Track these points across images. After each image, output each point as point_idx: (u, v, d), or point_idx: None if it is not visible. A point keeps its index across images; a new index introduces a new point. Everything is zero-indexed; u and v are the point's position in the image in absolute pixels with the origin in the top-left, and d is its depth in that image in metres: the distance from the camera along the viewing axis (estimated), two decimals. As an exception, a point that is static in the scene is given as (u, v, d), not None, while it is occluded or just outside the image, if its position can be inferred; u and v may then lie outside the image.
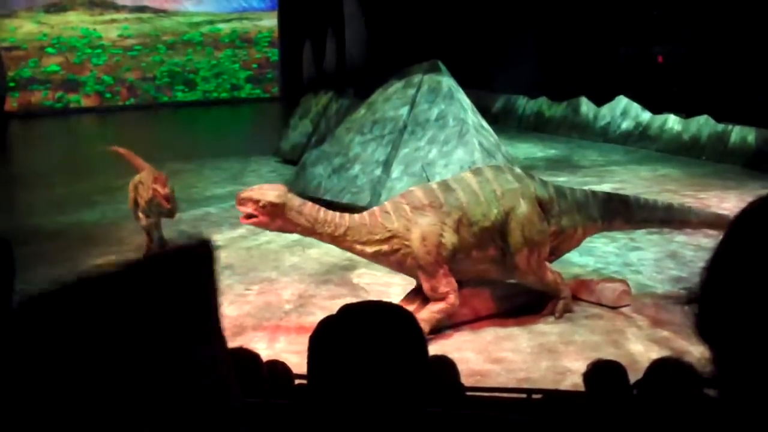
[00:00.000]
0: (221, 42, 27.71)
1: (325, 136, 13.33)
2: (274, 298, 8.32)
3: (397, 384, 1.45)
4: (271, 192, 6.86)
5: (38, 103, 25.24)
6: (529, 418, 3.16)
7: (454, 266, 7.06)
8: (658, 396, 3.41)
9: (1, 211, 12.47)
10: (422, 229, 6.89)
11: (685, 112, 16.70)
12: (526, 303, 7.64)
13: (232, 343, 6.46)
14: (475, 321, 7.41)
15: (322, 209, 7.04)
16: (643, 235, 10.12)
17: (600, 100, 18.47)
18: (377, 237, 6.95)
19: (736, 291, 1.01)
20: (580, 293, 7.93)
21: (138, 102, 26.33)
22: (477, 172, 7.39)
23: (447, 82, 11.77)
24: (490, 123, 12.46)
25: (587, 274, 8.79)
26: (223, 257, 9.76)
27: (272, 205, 6.77)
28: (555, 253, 7.63)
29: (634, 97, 17.89)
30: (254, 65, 28.11)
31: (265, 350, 6.55)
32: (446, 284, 6.99)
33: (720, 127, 15.70)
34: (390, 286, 8.00)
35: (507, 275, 7.37)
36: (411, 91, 11.86)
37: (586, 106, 18.74)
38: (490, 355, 6.81)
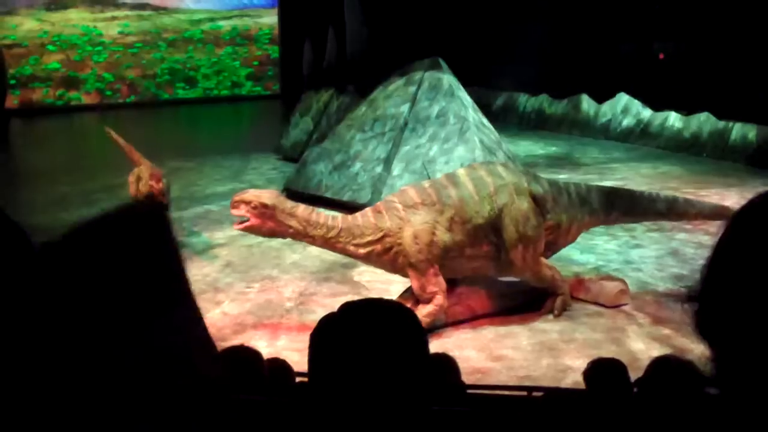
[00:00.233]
0: (222, 39, 27.70)
1: (325, 133, 13.32)
2: (275, 295, 8.32)
3: (398, 382, 1.45)
4: (263, 194, 6.95)
5: (39, 100, 25.24)
6: (530, 416, 3.16)
7: (448, 264, 7.03)
8: (658, 394, 3.41)
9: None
10: (414, 228, 6.88)
11: (686, 109, 16.69)
12: (523, 302, 7.61)
13: (234, 341, 6.48)
14: (472, 320, 7.39)
15: (315, 211, 7.04)
16: (644, 232, 10.12)
17: (601, 98, 18.46)
18: (370, 237, 6.94)
19: (735, 289, 1.01)
20: (577, 292, 7.89)
21: (139, 99, 26.33)
22: (470, 169, 7.37)
23: (448, 79, 11.76)
24: (490, 120, 12.45)
25: (588, 272, 8.79)
26: (223, 255, 9.77)
27: (264, 206, 6.78)
28: (551, 248, 7.60)
29: (635, 95, 17.88)
30: (255, 62, 28.10)
31: (266, 348, 6.55)
32: (435, 284, 6.96)
33: (721, 124, 15.70)
34: (391, 284, 8.00)
35: (502, 272, 7.34)
36: (412, 89, 11.85)
37: (587, 103, 18.73)
38: (491, 353, 6.81)
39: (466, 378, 4.60)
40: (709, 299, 1.05)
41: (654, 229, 10.24)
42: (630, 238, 9.95)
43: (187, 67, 27.24)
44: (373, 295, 7.43)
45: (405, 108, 11.72)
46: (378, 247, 6.97)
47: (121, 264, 0.91)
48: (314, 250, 9.31)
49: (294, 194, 11.96)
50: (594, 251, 9.50)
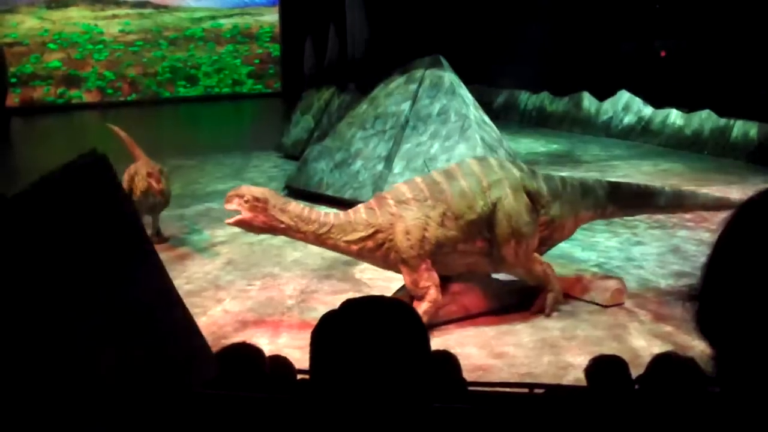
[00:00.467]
0: (223, 37, 27.68)
1: (326, 131, 13.32)
2: (277, 293, 8.32)
3: (399, 379, 1.45)
4: (255, 189, 7.01)
5: (40, 98, 25.23)
6: (532, 413, 3.16)
7: (441, 260, 7.01)
8: (660, 391, 3.41)
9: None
10: (406, 223, 6.87)
11: (688, 106, 16.68)
12: (518, 301, 7.58)
13: (235, 338, 6.48)
14: (466, 318, 7.35)
15: (307, 208, 7.06)
16: (645, 230, 10.12)
17: (602, 95, 18.45)
18: (362, 233, 6.94)
19: (736, 286, 1.01)
20: (574, 291, 7.85)
21: (140, 98, 26.31)
22: (463, 164, 7.36)
23: (449, 77, 11.75)
24: (492, 118, 12.45)
25: (589, 269, 8.79)
26: (225, 252, 9.78)
27: (256, 199, 6.82)
28: (547, 243, 7.56)
29: (636, 92, 17.87)
30: (256, 60, 28.08)
31: (267, 345, 6.56)
32: (427, 279, 6.95)
33: (722, 121, 15.69)
34: (392, 281, 8.00)
35: (495, 267, 7.31)
36: (413, 87, 11.85)
37: (588, 100, 18.72)
38: (492, 350, 6.81)
39: (468, 375, 4.60)
40: (710, 297, 1.05)
41: (655, 226, 10.24)
42: (631, 236, 9.96)
43: (188, 65, 27.22)
44: (375, 292, 7.44)
45: (406, 106, 11.72)
46: (370, 243, 6.96)
47: (71, 214, 0.90)
48: (315, 249, 9.30)
49: (295, 192, 11.96)
50: (595, 248, 9.50)
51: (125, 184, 9.71)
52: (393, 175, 11.08)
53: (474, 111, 11.57)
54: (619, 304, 7.64)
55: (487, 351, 6.80)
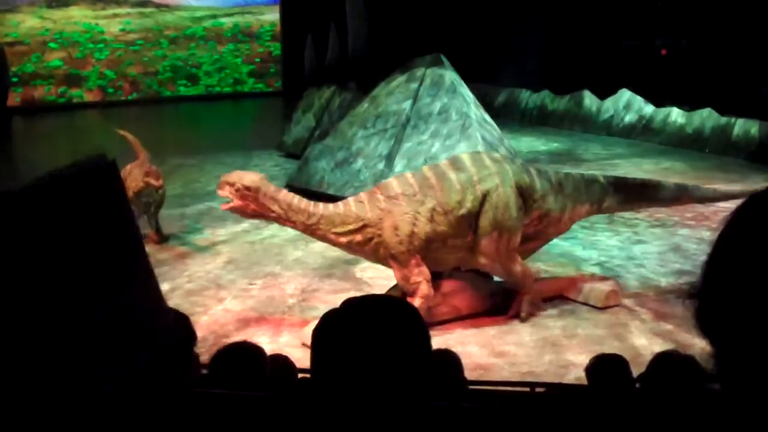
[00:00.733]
0: (224, 36, 27.67)
1: (327, 130, 13.32)
2: (278, 292, 8.32)
3: (400, 378, 1.45)
4: (247, 176, 6.94)
5: (41, 98, 25.23)
6: (533, 412, 3.16)
7: (432, 255, 6.98)
8: (661, 389, 3.41)
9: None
10: (394, 219, 6.85)
11: (689, 105, 16.67)
12: (509, 303, 7.49)
13: (236, 338, 6.49)
14: (457, 320, 7.30)
15: (297, 197, 7.03)
16: (646, 228, 10.12)
17: (603, 94, 18.44)
18: (350, 226, 6.92)
19: (735, 285, 1.01)
20: (568, 292, 7.80)
21: (140, 97, 26.31)
22: (454, 159, 7.31)
23: (450, 75, 11.75)
24: (492, 117, 12.44)
25: (589, 269, 8.79)
26: (226, 251, 9.78)
27: (246, 188, 6.81)
28: (541, 237, 7.52)
29: (637, 90, 17.86)
30: (257, 59, 28.07)
31: (268, 344, 6.56)
32: (418, 273, 6.92)
33: (723, 119, 15.68)
34: (393, 280, 7.99)
35: (476, 260, 7.18)
36: (414, 85, 11.85)
37: (589, 99, 18.71)
38: (493, 349, 6.81)
39: (469, 374, 4.60)
40: (709, 296, 1.05)
41: (656, 224, 10.24)
42: (632, 234, 9.95)
43: (189, 65, 27.21)
44: (376, 291, 7.44)
45: (407, 104, 11.71)
46: (358, 236, 6.94)
47: (71, 213, 0.90)
48: (316, 247, 9.32)
49: (296, 191, 11.95)
50: (596, 247, 9.50)
51: None
52: (394, 174, 11.07)
53: (475, 110, 11.57)
54: (614, 306, 7.58)
55: (488, 350, 6.80)
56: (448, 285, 7.39)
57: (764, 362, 0.98)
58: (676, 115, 16.74)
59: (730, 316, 1.01)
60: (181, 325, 3.11)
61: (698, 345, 1.11)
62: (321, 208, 6.99)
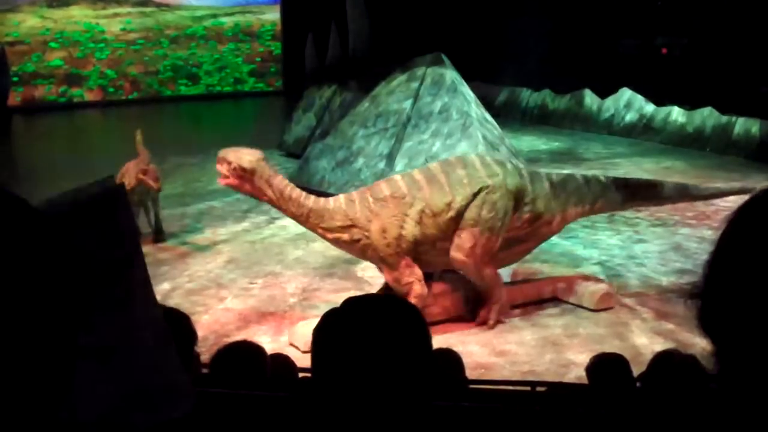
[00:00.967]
0: (224, 36, 27.66)
1: (328, 129, 13.31)
2: (279, 291, 8.33)
3: (401, 377, 1.45)
4: (245, 156, 6.90)
5: (42, 97, 25.22)
6: (534, 411, 3.16)
7: (421, 257, 6.96)
8: (661, 389, 3.41)
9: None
10: (382, 221, 6.83)
11: (689, 104, 16.67)
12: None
13: (237, 337, 6.49)
14: (447, 321, 7.25)
15: (290, 185, 7.02)
16: (647, 227, 10.12)
17: (604, 93, 18.43)
18: (338, 224, 6.91)
19: (738, 284, 1.01)
20: (562, 294, 7.73)
21: (141, 96, 26.30)
22: (444, 162, 7.31)
23: (450, 74, 11.75)
24: (493, 116, 12.44)
25: (591, 267, 8.79)
26: (227, 251, 9.78)
27: (242, 169, 6.82)
28: (534, 239, 7.45)
29: (638, 90, 17.85)
30: (257, 59, 28.06)
31: (269, 344, 6.56)
32: (409, 274, 6.89)
33: (724, 118, 15.68)
34: (394, 280, 8.00)
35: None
36: (414, 84, 11.85)
37: (589, 98, 18.70)
38: (494, 348, 6.81)
39: (470, 373, 4.60)
40: (712, 295, 1.05)
41: (657, 224, 10.24)
42: (633, 233, 9.95)
43: (190, 64, 27.21)
44: (376, 290, 7.44)
45: (407, 104, 11.72)
46: (345, 236, 6.93)
47: (76, 244, 0.91)
48: (317, 246, 9.33)
49: (297, 190, 11.95)
50: (597, 246, 9.50)
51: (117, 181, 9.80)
52: (395, 174, 11.06)
53: (475, 109, 11.57)
54: (608, 309, 7.50)
55: (488, 349, 6.80)
56: (438, 286, 7.33)
57: (766, 361, 0.98)
58: (676, 114, 16.73)
59: (732, 315, 1.01)
60: (181, 326, 3.11)
61: (699, 344, 1.10)
62: (311, 201, 6.98)
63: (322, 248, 9.33)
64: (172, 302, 7.21)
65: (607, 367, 3.88)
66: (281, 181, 6.98)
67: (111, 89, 26.16)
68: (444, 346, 4.74)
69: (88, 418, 0.87)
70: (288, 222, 7.81)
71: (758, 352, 0.98)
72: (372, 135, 11.82)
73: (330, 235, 7.01)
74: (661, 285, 8.21)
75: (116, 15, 26.31)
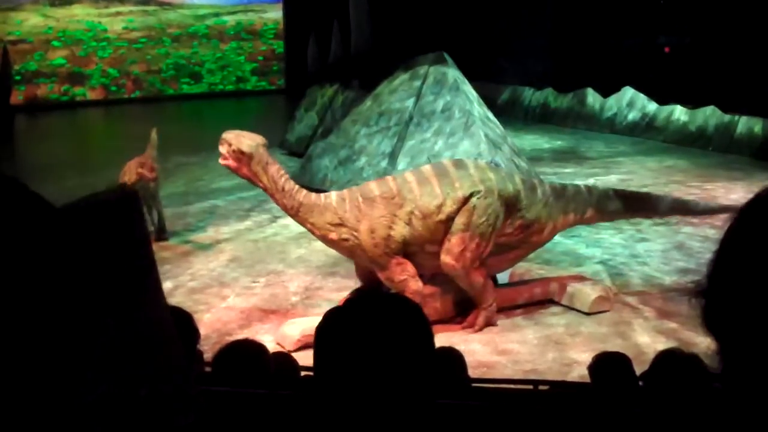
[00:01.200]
0: (226, 34, 27.67)
1: (331, 128, 13.32)
2: (281, 290, 8.33)
3: (403, 375, 1.45)
4: (245, 140, 6.98)
5: (44, 96, 25.24)
6: (536, 410, 3.16)
7: (410, 259, 6.94)
8: (664, 388, 3.40)
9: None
10: (371, 222, 6.81)
11: (692, 102, 16.65)
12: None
13: (239, 335, 6.49)
14: (437, 323, 7.08)
15: (285, 176, 7.03)
16: (650, 226, 10.11)
17: (606, 91, 18.41)
18: (327, 221, 6.90)
19: (742, 283, 1.01)
20: (557, 296, 7.64)
21: (143, 95, 26.31)
22: (437, 165, 7.27)
23: (453, 73, 11.74)
24: (496, 115, 12.42)
25: (594, 266, 8.79)
26: (229, 249, 9.78)
27: (241, 152, 6.89)
28: (524, 247, 7.39)
29: (640, 88, 17.83)
30: (260, 57, 28.06)
31: (271, 342, 6.57)
32: (401, 272, 6.87)
33: (727, 117, 15.65)
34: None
35: (441, 261, 7.02)
36: (417, 83, 11.84)
37: (592, 97, 18.69)
38: (496, 347, 6.81)
39: (472, 372, 4.60)
40: (716, 293, 1.05)
41: (660, 223, 10.22)
42: (636, 232, 9.94)
43: (192, 63, 27.21)
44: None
45: (410, 102, 11.71)
46: (333, 234, 6.92)
47: (86, 253, 0.91)
48: (319, 245, 9.30)
49: (299, 189, 11.96)
50: (600, 245, 9.49)
51: (120, 179, 9.88)
52: (397, 172, 11.06)
53: (478, 107, 11.56)
54: (603, 312, 7.41)
55: (491, 348, 6.80)
56: (428, 287, 7.25)
57: (768, 360, 0.98)
58: (679, 112, 16.72)
59: (736, 313, 1.01)
60: (184, 325, 3.11)
61: (702, 343, 1.10)
62: (303, 194, 6.98)
63: (324, 247, 9.30)
64: (175, 301, 7.22)
65: (609, 366, 3.88)
66: (277, 171, 7.00)
67: (113, 88, 26.17)
68: (446, 344, 4.74)
69: (92, 420, 0.87)
70: (291, 221, 7.80)
71: (762, 350, 0.98)
72: (374, 134, 11.82)
73: (318, 232, 7.01)
74: (663, 284, 8.21)
75: (118, 14, 26.33)
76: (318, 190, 11.64)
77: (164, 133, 11.44)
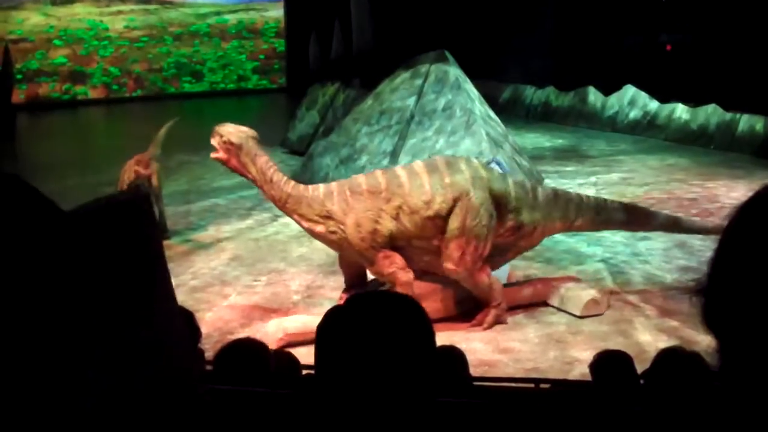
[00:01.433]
0: (228, 33, 27.68)
1: (332, 126, 13.32)
2: (282, 289, 8.33)
3: (404, 374, 1.45)
4: (236, 131, 7.09)
5: (46, 95, 25.27)
6: (537, 408, 3.16)
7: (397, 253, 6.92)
8: (665, 386, 3.40)
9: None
10: (357, 216, 6.80)
11: (694, 101, 16.63)
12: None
13: (240, 334, 6.49)
14: (439, 321, 7.04)
15: (273, 168, 7.03)
16: (651, 224, 10.09)
17: (607, 90, 18.41)
18: (314, 212, 6.90)
19: (741, 280, 1.01)
20: (549, 298, 7.57)
21: (145, 93, 26.33)
22: (429, 161, 7.22)
23: (454, 72, 11.74)
24: (497, 113, 12.43)
25: (595, 264, 8.78)
26: (231, 248, 9.79)
27: (230, 143, 6.97)
28: (512, 250, 7.36)
29: (641, 87, 17.82)
30: (261, 56, 28.07)
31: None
32: (389, 264, 6.84)
33: (728, 115, 15.64)
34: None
35: (442, 266, 7.01)
36: (418, 82, 11.84)
37: (593, 95, 18.68)
38: (497, 346, 6.81)
39: (473, 370, 4.60)
40: (715, 291, 1.05)
41: (661, 221, 10.20)
42: (637, 231, 9.93)
43: (194, 61, 27.23)
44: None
45: (411, 101, 11.71)
46: (321, 228, 6.92)
47: (97, 255, 0.91)
48: (321, 244, 9.31)
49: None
50: (601, 243, 9.49)
51: (120, 177, 9.91)
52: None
53: (479, 106, 11.56)
54: (595, 315, 7.31)
55: (492, 346, 6.80)
56: (429, 287, 7.20)
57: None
58: (680, 111, 16.70)
59: (735, 311, 1.01)
60: (185, 323, 3.12)
61: (703, 341, 1.10)
62: (291, 186, 6.98)
63: (325, 246, 9.34)
64: (176, 299, 7.21)
65: (610, 364, 3.88)
66: (266, 162, 7.02)
67: (115, 87, 26.19)
68: (447, 343, 4.74)
69: (99, 419, 0.87)
70: (292, 219, 7.80)
71: (761, 348, 0.98)
72: (375, 132, 11.82)
73: (305, 224, 7.01)
74: (665, 282, 8.20)
75: (120, 12, 26.34)
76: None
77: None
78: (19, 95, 23.83)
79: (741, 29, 17.05)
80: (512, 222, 7.11)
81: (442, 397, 1.64)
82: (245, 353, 3.72)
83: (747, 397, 1.01)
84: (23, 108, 23.62)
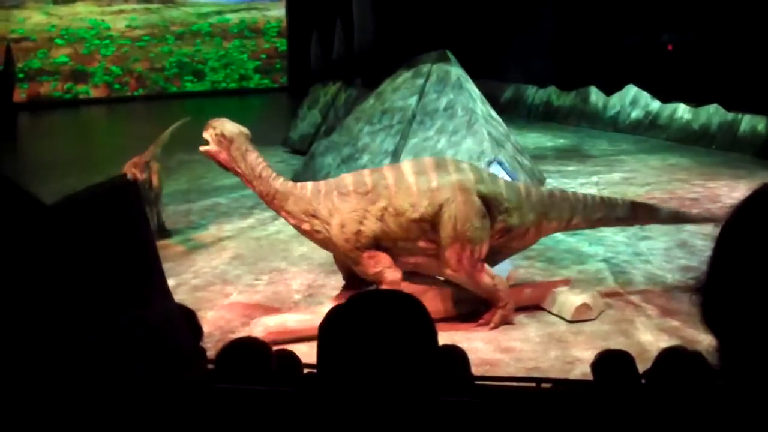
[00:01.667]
0: (230, 32, 27.69)
1: (333, 126, 13.32)
2: (284, 287, 8.34)
3: (406, 373, 1.45)
4: (228, 125, 7.17)
5: (47, 94, 25.28)
6: (539, 408, 3.16)
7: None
8: (667, 386, 3.40)
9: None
10: (342, 216, 6.79)
11: (695, 101, 16.63)
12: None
13: (242, 334, 6.49)
14: (441, 321, 7.11)
15: (263, 164, 7.04)
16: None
17: (609, 89, 18.40)
18: (301, 210, 6.90)
19: (739, 279, 1.01)
20: (543, 302, 7.52)
21: (147, 93, 26.34)
22: (417, 162, 7.16)
23: (456, 71, 11.74)
24: (498, 113, 12.43)
25: (596, 264, 8.78)
26: (232, 247, 9.79)
27: (222, 135, 7.06)
28: (504, 251, 7.31)
29: (643, 86, 17.81)
30: (263, 55, 28.08)
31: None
32: (375, 264, 6.83)
33: (730, 115, 15.63)
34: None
35: (440, 271, 7.03)
36: (420, 81, 11.84)
37: (595, 95, 18.67)
38: (499, 345, 6.81)
39: (475, 370, 4.60)
40: (714, 290, 1.05)
41: (663, 221, 10.21)
42: (638, 230, 9.92)
43: (195, 60, 27.24)
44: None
45: (413, 100, 11.71)
46: (306, 225, 6.92)
47: (88, 241, 0.91)
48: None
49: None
50: (603, 243, 9.49)
51: None
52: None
53: (481, 105, 11.56)
54: (587, 320, 7.22)
55: (494, 346, 6.80)
56: (411, 288, 7.18)
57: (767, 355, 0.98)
58: (682, 111, 16.70)
59: (734, 309, 1.01)
60: (187, 322, 3.11)
61: (705, 341, 1.10)
62: (279, 182, 7.00)
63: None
64: (178, 298, 7.16)
65: (612, 363, 3.88)
66: (256, 158, 7.04)
67: (116, 86, 26.20)
68: (449, 342, 4.74)
69: (96, 409, 0.87)
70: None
71: (760, 346, 0.98)
72: (377, 132, 11.82)
73: (292, 220, 7.02)
74: (666, 282, 8.20)
75: (121, 11, 26.35)
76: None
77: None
78: (20, 94, 23.85)
79: (743, 29, 17.04)
80: (502, 224, 7.05)
81: (443, 397, 1.64)
82: (247, 352, 3.72)
83: (746, 394, 1.01)
84: (25, 107, 23.63)
